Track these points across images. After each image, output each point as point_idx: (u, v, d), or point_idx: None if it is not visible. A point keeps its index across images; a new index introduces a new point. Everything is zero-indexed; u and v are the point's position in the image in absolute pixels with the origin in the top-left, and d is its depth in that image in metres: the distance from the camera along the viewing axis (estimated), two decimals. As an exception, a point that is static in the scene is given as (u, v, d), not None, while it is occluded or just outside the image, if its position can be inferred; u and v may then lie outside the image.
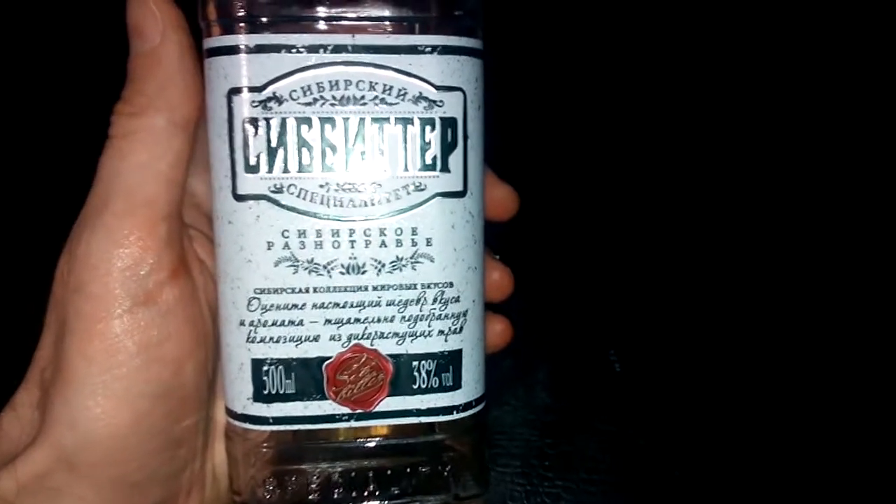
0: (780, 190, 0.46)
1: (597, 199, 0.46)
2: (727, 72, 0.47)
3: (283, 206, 0.27)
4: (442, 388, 0.29)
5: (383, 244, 0.28)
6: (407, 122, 0.27)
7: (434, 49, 0.27)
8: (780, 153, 0.46)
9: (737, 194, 0.46)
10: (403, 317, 0.28)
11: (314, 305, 0.28)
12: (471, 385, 0.30)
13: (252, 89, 0.27)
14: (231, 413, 0.29)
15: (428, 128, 0.28)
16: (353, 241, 0.28)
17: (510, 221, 0.35)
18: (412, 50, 0.27)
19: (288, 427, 0.29)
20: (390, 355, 0.28)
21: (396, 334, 0.28)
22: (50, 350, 0.29)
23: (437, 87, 0.27)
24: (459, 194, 0.28)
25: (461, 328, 0.29)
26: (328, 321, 0.28)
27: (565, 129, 0.46)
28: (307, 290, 0.28)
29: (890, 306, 0.46)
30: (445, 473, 0.30)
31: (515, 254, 0.36)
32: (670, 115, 0.46)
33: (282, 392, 0.28)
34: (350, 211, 0.27)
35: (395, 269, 0.28)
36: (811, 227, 0.46)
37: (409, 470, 0.30)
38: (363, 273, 0.28)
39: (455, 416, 0.29)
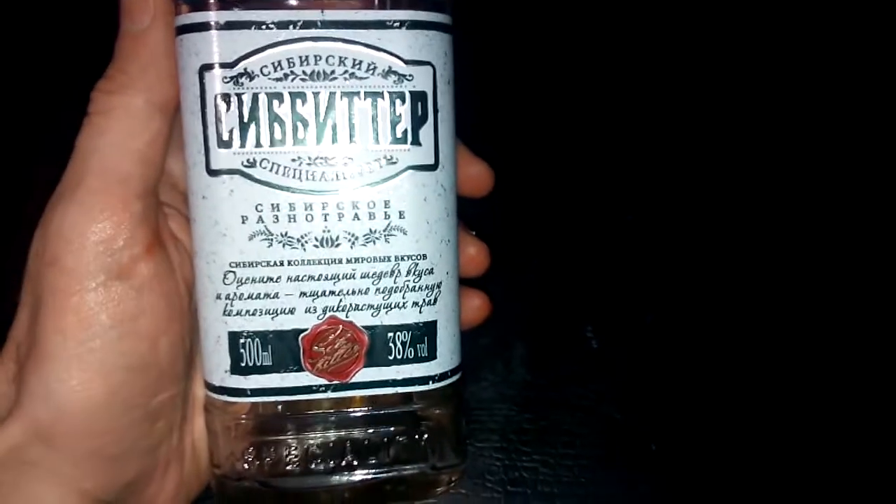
0: (763, 170, 0.47)
1: (573, 175, 0.47)
2: (713, 46, 0.47)
3: (256, 181, 0.27)
4: (417, 359, 0.30)
5: (356, 217, 0.28)
6: (377, 96, 0.28)
7: (402, 24, 0.28)
8: (764, 137, 0.47)
9: (715, 169, 0.47)
10: (378, 289, 0.29)
11: (289, 278, 0.28)
12: (446, 356, 0.30)
13: (223, 65, 0.27)
14: (209, 386, 0.30)
15: (398, 101, 0.28)
16: (326, 215, 0.28)
17: (487, 198, 0.35)
18: (380, 25, 0.27)
19: (266, 399, 0.29)
20: (365, 327, 0.29)
21: (371, 306, 0.29)
22: (25, 326, 0.29)
23: (406, 62, 0.28)
24: (431, 167, 0.29)
25: (435, 300, 0.29)
26: (303, 294, 0.28)
27: (541, 105, 0.47)
28: (282, 264, 0.28)
29: (888, 303, 0.46)
30: (423, 443, 0.30)
31: (492, 230, 0.36)
32: (648, 88, 0.47)
33: (259, 364, 0.29)
34: (323, 184, 0.28)
35: (368, 242, 0.28)
36: (795, 209, 0.47)
37: (386, 440, 0.30)
38: (337, 246, 0.28)
39: (431, 385, 0.30)
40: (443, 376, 0.30)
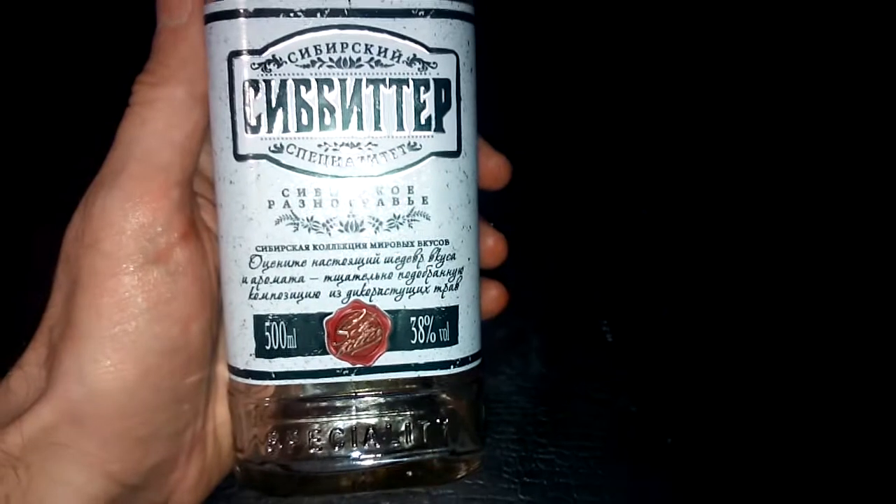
0: (777, 164, 0.47)
1: (590, 169, 0.47)
2: (732, 41, 0.48)
3: (282, 165, 0.28)
4: (439, 343, 0.30)
5: (381, 202, 0.29)
6: (402, 83, 0.28)
7: (427, 12, 0.28)
8: (779, 132, 0.47)
9: (730, 163, 0.47)
10: (401, 273, 0.29)
11: (314, 262, 0.29)
12: (467, 341, 0.31)
13: (252, 52, 0.28)
14: (233, 370, 0.30)
15: (422, 88, 0.28)
16: (350, 200, 0.28)
17: (504, 191, 0.35)
18: (406, 13, 0.28)
19: (289, 382, 0.30)
20: (388, 311, 0.29)
21: (394, 290, 0.29)
22: (59, 308, 0.29)
23: (431, 50, 0.28)
24: (454, 154, 0.29)
25: (457, 285, 0.30)
26: (328, 278, 0.29)
27: (558, 99, 0.47)
28: (307, 248, 0.29)
29: (888, 301, 0.47)
30: (443, 429, 0.31)
31: (509, 223, 0.37)
32: (665, 83, 0.47)
33: (283, 347, 0.29)
34: (348, 169, 0.28)
35: (392, 227, 0.29)
36: (809, 204, 0.47)
37: (407, 425, 0.30)
38: (361, 231, 0.29)
39: (452, 370, 0.30)
40: (463, 361, 0.31)
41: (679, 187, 0.47)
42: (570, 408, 0.46)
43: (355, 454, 0.30)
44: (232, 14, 0.28)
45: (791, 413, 0.45)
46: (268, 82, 0.28)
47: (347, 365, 0.29)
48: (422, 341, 0.30)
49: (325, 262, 0.29)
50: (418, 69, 0.28)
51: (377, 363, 0.30)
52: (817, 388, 0.46)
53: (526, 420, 0.46)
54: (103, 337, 0.28)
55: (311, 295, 0.29)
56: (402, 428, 0.30)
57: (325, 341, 0.29)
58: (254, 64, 0.28)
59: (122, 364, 0.28)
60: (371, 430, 0.30)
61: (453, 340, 0.30)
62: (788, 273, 0.46)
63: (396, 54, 0.28)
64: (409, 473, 0.31)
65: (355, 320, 0.29)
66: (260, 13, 0.27)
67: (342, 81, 0.28)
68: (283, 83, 0.28)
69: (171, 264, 0.29)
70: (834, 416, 0.45)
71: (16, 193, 0.44)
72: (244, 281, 0.29)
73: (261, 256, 0.29)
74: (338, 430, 0.30)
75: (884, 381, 0.46)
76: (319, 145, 0.28)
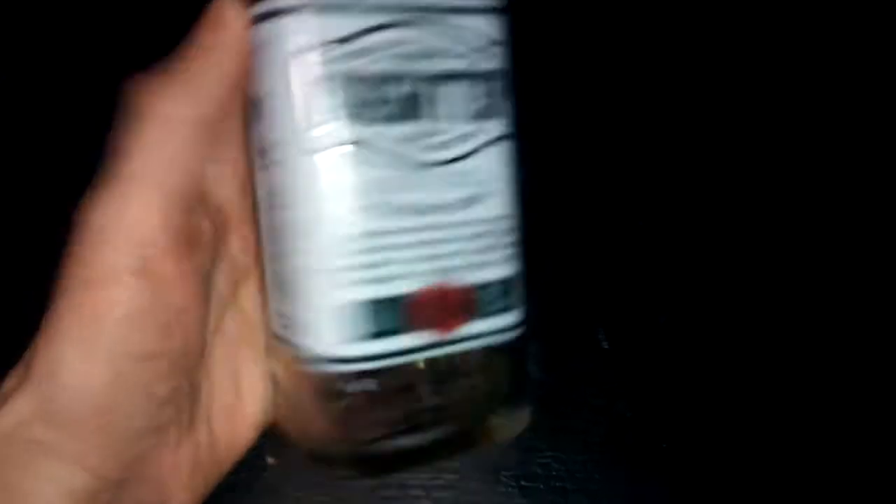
0: (774, 173, 0.48)
1: (586, 177, 0.48)
2: (729, 53, 0.49)
3: (360, 156, 0.28)
4: (506, 310, 0.31)
5: (456, 184, 0.30)
6: (467, 76, 0.29)
7: (486, 8, 0.30)
8: (775, 141, 0.49)
9: (726, 172, 0.48)
10: (477, 249, 0.30)
11: (397, 246, 0.29)
12: (520, 307, 0.32)
13: (321, 47, 0.28)
14: (317, 358, 0.30)
15: (484, 79, 0.30)
16: (427, 185, 0.29)
17: None
18: (467, 10, 0.29)
19: (377, 364, 0.30)
20: (468, 285, 0.30)
21: (472, 265, 0.30)
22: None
23: (492, 42, 0.30)
24: (510, 137, 0.31)
25: (515, 254, 0.32)
26: (411, 259, 0.29)
27: (554, 108, 0.47)
28: (390, 232, 0.29)
29: (888, 309, 0.48)
30: (498, 393, 0.32)
31: None
32: (662, 92, 0.48)
33: (372, 331, 0.29)
34: (426, 157, 0.29)
35: (468, 206, 0.30)
36: (806, 213, 0.48)
37: (466, 393, 0.31)
38: (439, 212, 0.29)
39: (515, 333, 0.32)
40: (519, 324, 0.32)
41: (676, 194, 0.48)
42: (567, 413, 0.47)
43: (418, 429, 0.31)
44: (295, 9, 0.28)
45: (787, 417, 0.47)
46: (337, 77, 0.28)
47: (431, 340, 0.30)
48: (493, 309, 0.31)
49: (409, 245, 0.29)
50: (481, 60, 0.29)
51: (460, 335, 0.30)
52: (813, 391, 0.47)
53: (523, 424, 0.46)
54: (75, 338, 0.27)
55: (396, 277, 0.29)
56: (462, 397, 0.31)
57: (410, 319, 0.29)
58: (323, 59, 0.28)
59: (95, 367, 0.27)
60: (434, 404, 0.31)
61: (515, 306, 0.32)
62: (784, 279, 0.48)
63: (463, 47, 0.29)
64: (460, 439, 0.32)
65: (437, 298, 0.30)
66: (325, 8, 0.28)
67: (410, 75, 0.28)
68: (352, 78, 0.28)
69: (160, 277, 0.28)
70: (831, 419, 0.47)
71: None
72: (328, 270, 0.29)
73: (346, 245, 0.29)
74: (409, 410, 0.30)
75: (883, 388, 0.47)
76: (393, 138, 0.28)
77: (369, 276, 0.29)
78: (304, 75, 0.28)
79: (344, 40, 0.28)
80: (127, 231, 0.27)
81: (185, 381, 0.30)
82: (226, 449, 0.33)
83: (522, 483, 0.46)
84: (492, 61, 0.30)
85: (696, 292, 0.48)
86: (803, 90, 0.49)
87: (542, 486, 0.46)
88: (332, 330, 0.29)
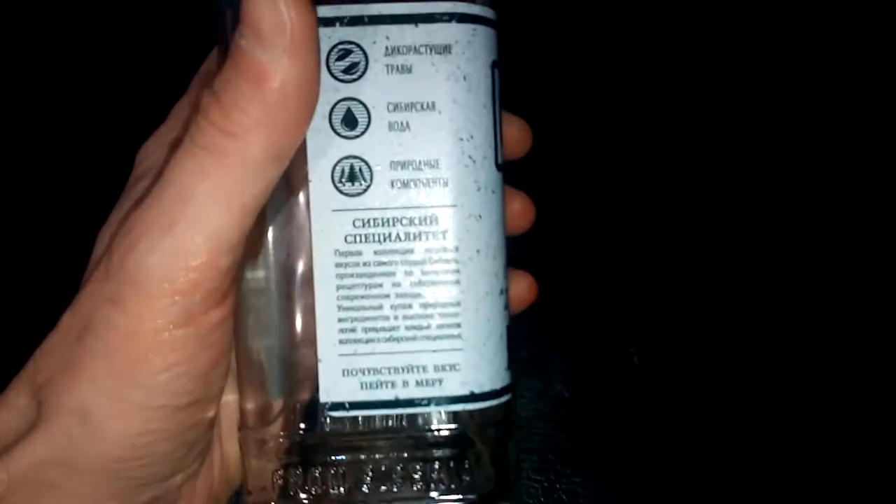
0: (798, 183, 0.46)
1: (616, 189, 0.45)
2: (732, 58, 0.46)
3: None
4: None
5: None
6: None
7: None
8: (794, 145, 0.46)
9: (756, 189, 0.45)
10: None
11: None
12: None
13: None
14: (482, 395, 0.28)
15: None
16: None
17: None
18: None
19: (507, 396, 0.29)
20: None
21: None
22: (66, 341, 0.26)
23: None
24: None
25: None
26: None
27: (578, 121, 0.45)
28: None
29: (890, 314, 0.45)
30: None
31: (531, 242, 0.35)
32: (684, 104, 0.46)
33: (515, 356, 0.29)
34: None
35: None
36: (825, 223, 0.45)
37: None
38: None
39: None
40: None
41: (705, 206, 0.45)
42: (594, 435, 0.43)
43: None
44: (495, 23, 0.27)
45: (828, 442, 0.43)
46: None
47: None
48: None
49: None
50: None
51: None
52: (845, 406, 0.44)
53: (548, 447, 0.43)
54: (111, 386, 0.24)
55: None
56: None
57: None
58: None
59: (128, 417, 0.25)
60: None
61: None
62: (826, 298, 0.45)
63: None
64: None
65: None
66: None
67: None
68: None
69: (203, 327, 0.25)
70: (857, 431, 0.43)
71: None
72: (501, 293, 0.28)
73: (506, 266, 0.28)
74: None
75: (885, 394, 0.44)
76: None
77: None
78: (496, 88, 0.28)
79: None
80: (174, 288, 0.24)
81: (215, 411, 0.28)
82: (235, 466, 0.31)
83: (546, 512, 0.43)
84: None
85: (730, 308, 0.44)
86: (802, 98, 0.46)
87: (567, 515, 0.43)
88: (498, 358, 0.29)
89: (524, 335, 0.40)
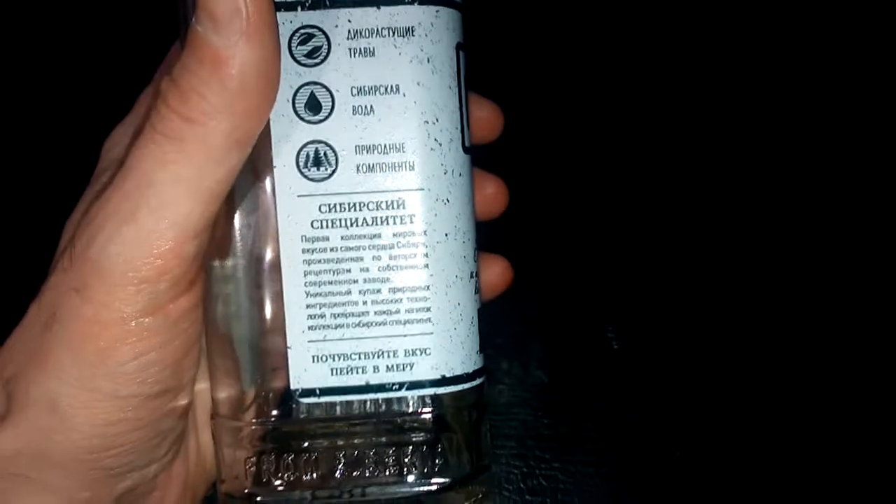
0: (777, 170, 0.46)
1: (593, 168, 0.45)
2: (737, 42, 0.46)
3: None
4: None
5: None
6: None
7: None
8: (777, 134, 0.46)
9: (739, 165, 0.45)
10: None
11: None
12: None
13: None
14: (454, 379, 0.28)
15: None
16: None
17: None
18: None
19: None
20: None
21: None
22: (34, 330, 0.25)
23: None
24: None
25: None
26: None
27: (561, 100, 0.45)
28: None
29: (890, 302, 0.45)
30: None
31: (508, 226, 0.35)
32: (669, 82, 0.45)
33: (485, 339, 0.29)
34: None
35: None
36: (806, 205, 0.45)
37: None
38: None
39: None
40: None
41: (685, 185, 0.45)
42: (573, 420, 0.44)
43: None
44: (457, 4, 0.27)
45: (805, 424, 0.43)
46: None
47: None
48: None
49: None
50: None
51: None
52: (831, 396, 0.44)
53: (527, 433, 0.43)
54: (80, 377, 0.24)
55: None
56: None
57: None
58: None
59: (98, 404, 0.24)
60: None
61: None
62: (804, 277, 0.45)
63: None
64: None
65: None
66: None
67: None
68: None
69: (170, 315, 0.25)
70: (847, 425, 0.43)
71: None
72: (472, 276, 0.28)
73: (476, 249, 0.28)
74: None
75: (884, 389, 0.44)
76: None
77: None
78: (461, 70, 0.28)
79: None
80: (138, 273, 0.23)
81: (189, 400, 0.28)
82: (212, 455, 0.30)
83: (527, 497, 0.43)
84: None
85: (712, 287, 0.44)
86: (822, 83, 0.46)
87: (548, 500, 0.43)
88: (471, 342, 0.29)
89: (502, 321, 0.41)
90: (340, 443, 0.27)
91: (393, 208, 0.26)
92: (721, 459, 0.43)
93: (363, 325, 0.26)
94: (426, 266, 0.26)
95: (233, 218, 0.27)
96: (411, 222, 0.26)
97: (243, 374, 0.28)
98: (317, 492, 0.27)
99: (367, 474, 0.27)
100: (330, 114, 0.26)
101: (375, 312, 0.26)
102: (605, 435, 0.43)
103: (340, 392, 0.27)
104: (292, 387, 0.26)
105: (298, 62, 0.26)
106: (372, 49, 0.26)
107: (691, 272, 0.45)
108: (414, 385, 0.27)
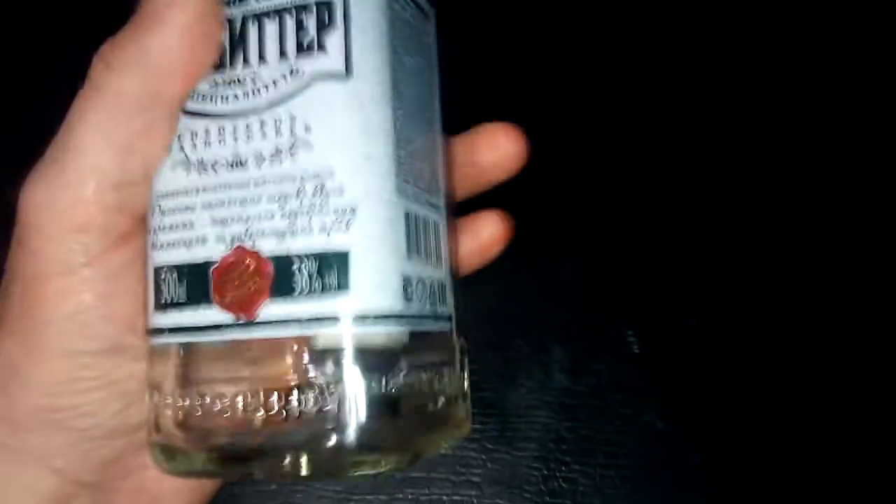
0: (801, 173, 0.44)
1: (613, 174, 0.45)
2: (755, 40, 0.45)
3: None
4: (325, 294, 0.26)
5: (263, 135, 0.26)
6: (283, 11, 0.27)
7: None
8: (799, 134, 0.44)
9: (756, 173, 0.44)
10: (283, 213, 0.26)
11: (202, 206, 0.27)
12: (366, 293, 0.26)
13: None
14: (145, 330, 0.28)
15: (304, 13, 0.27)
16: (235, 136, 0.27)
17: (524, 197, 0.35)
18: None
19: (180, 338, 0.27)
20: (270, 256, 0.26)
21: (276, 232, 0.26)
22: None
23: None
24: (340, 76, 0.26)
25: (347, 225, 0.26)
26: (214, 221, 0.26)
27: (579, 101, 0.45)
28: (196, 191, 0.27)
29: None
30: (339, 407, 0.26)
31: (529, 230, 0.35)
32: (693, 84, 0.45)
33: (175, 300, 0.27)
34: (234, 106, 0.27)
35: (273, 161, 0.26)
36: (831, 210, 0.44)
37: (305, 399, 0.26)
38: (244, 168, 0.26)
39: (341, 328, 0.26)
40: (361, 318, 0.26)
41: (704, 189, 0.44)
42: (594, 423, 0.43)
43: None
44: None
45: (826, 429, 0.41)
46: None
47: (231, 318, 0.26)
48: (306, 290, 0.26)
49: (212, 205, 0.26)
50: None
51: (261, 317, 0.26)
52: (853, 399, 0.42)
53: (548, 436, 0.43)
54: (28, 338, 0.26)
55: (200, 241, 0.27)
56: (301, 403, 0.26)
57: (211, 291, 0.26)
58: None
59: (50, 365, 0.26)
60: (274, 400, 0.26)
61: (342, 291, 0.26)
62: (827, 281, 0.43)
63: None
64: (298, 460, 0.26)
65: (238, 267, 0.26)
66: None
67: (230, 21, 0.27)
68: None
69: (108, 267, 0.26)
70: (870, 426, 0.41)
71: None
72: (148, 231, 0.27)
73: (160, 205, 0.27)
74: (241, 399, 0.26)
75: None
76: (210, 85, 0.27)
77: (173, 239, 0.27)
78: None
79: None
80: (64, 222, 0.25)
81: None
82: None
83: (547, 499, 0.43)
84: None
85: (729, 293, 0.43)
86: (833, 84, 0.44)
87: (568, 503, 0.43)
88: (148, 297, 0.27)
89: (523, 325, 0.41)
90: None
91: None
92: (741, 463, 0.41)
93: None
94: None
95: None
96: None
97: None
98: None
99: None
100: None
101: None
102: (626, 438, 0.43)
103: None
104: None
105: None
106: None
107: (711, 276, 0.44)
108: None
